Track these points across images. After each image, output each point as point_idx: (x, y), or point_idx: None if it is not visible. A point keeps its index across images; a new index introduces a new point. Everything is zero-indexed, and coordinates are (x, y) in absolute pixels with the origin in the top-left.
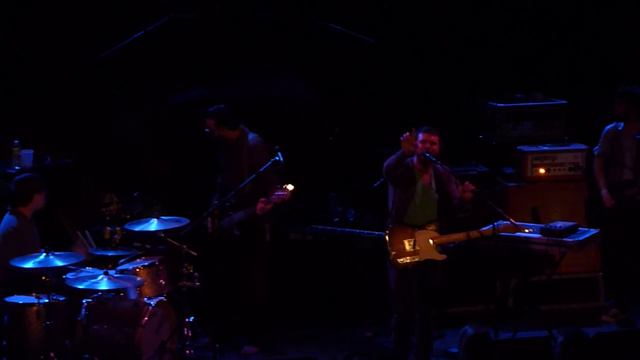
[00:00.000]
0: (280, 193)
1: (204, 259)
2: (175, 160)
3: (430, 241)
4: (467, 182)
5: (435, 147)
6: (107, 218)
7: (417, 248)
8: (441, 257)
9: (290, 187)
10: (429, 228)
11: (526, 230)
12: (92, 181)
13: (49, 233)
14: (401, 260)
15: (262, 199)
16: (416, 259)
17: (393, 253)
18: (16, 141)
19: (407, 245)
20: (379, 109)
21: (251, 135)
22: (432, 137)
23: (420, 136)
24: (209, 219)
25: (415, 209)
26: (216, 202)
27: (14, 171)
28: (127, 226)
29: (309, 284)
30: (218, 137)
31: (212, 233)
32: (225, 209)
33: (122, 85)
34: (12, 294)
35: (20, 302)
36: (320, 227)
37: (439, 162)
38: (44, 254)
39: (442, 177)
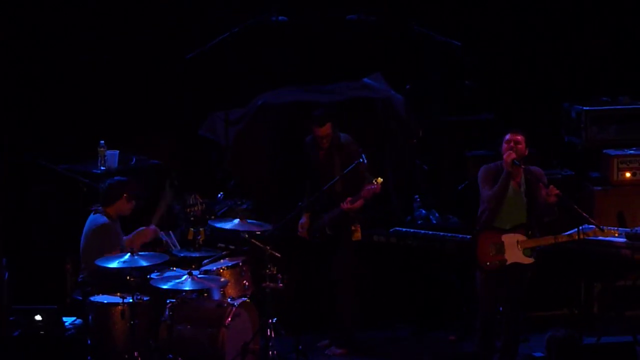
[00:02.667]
0: (370, 187)
1: (288, 260)
2: (263, 162)
3: (518, 245)
4: (551, 186)
5: (521, 147)
6: (192, 219)
7: (505, 251)
8: (529, 260)
9: (380, 180)
10: (517, 232)
11: (615, 234)
12: (177, 182)
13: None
14: (488, 263)
15: (348, 198)
16: (503, 263)
17: (480, 256)
18: (102, 142)
19: (494, 249)
20: (465, 111)
21: (343, 136)
22: (517, 137)
23: (507, 136)
24: (302, 220)
25: (504, 213)
26: (305, 202)
27: (99, 172)
28: (210, 223)
29: (393, 286)
30: (324, 140)
31: (303, 234)
32: (317, 211)
33: (209, 87)
34: (97, 294)
35: (105, 301)
36: (403, 229)
37: (528, 166)
38: (129, 254)
39: (532, 180)
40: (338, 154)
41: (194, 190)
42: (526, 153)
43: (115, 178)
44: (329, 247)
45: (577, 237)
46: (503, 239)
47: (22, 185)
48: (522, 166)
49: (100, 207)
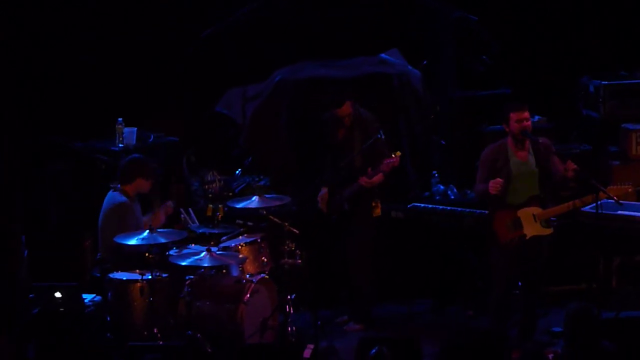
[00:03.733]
0: (389, 160)
1: (306, 236)
2: (281, 139)
3: (535, 218)
4: (569, 161)
5: (529, 123)
6: (210, 195)
7: (521, 226)
8: (547, 231)
9: (398, 153)
10: (532, 205)
11: (629, 190)
12: (195, 159)
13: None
14: (509, 240)
15: (368, 172)
16: (523, 237)
17: (499, 234)
18: (120, 119)
19: (512, 225)
20: (482, 86)
21: (363, 111)
22: (525, 114)
23: (513, 116)
24: (321, 192)
25: (514, 188)
26: (324, 177)
27: (117, 149)
28: (229, 203)
29: (411, 262)
30: (344, 117)
31: (322, 207)
32: (336, 186)
33: (226, 64)
34: (116, 271)
35: (124, 278)
36: (421, 205)
37: (536, 138)
38: (148, 232)
39: (542, 151)
40: (358, 129)
41: (211, 167)
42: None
43: (133, 155)
44: (346, 223)
45: (595, 211)
46: (519, 215)
47: (39, 164)
48: (530, 138)
49: (119, 185)
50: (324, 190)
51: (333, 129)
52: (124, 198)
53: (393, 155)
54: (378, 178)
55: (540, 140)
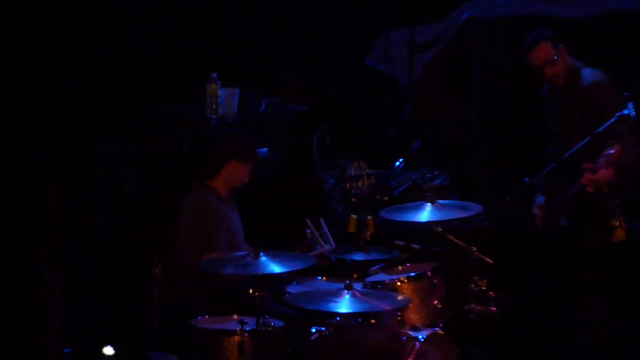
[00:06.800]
0: (608, 152)
1: (505, 268)
2: (470, 110)
3: None
4: None
5: None
6: (353, 200)
7: None
8: None
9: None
10: None
11: None
12: (331, 140)
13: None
14: None
15: (586, 167)
16: None
17: None
18: (214, 74)
19: None
20: None
21: (587, 72)
22: None
23: None
24: (538, 200)
25: None
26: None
27: (211, 120)
28: (383, 214)
29: None
30: (545, 70)
31: (539, 227)
32: (554, 190)
33: None
34: (201, 315)
35: (215, 327)
36: None
37: None
38: (252, 254)
39: None
40: (579, 99)
41: (356, 154)
42: None
43: (227, 131)
44: (566, 249)
45: None
46: None
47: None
48: None
49: (204, 180)
50: (541, 198)
51: (552, 103)
52: (210, 197)
53: (613, 145)
54: (603, 175)
55: None
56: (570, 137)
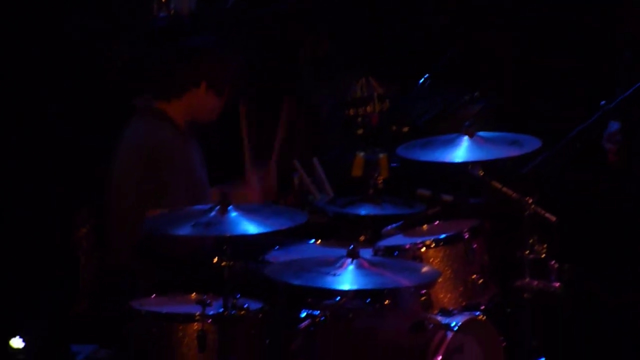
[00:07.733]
0: None
1: (574, 230)
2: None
3: None
4: None
5: None
6: (359, 131)
7: None
8: None
9: None
10: None
11: None
12: (326, 50)
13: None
14: None
15: None
16: None
17: None
18: None
19: None
20: None
21: None
22: None
23: None
24: (611, 128)
25: None
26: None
27: (160, 21)
28: (400, 152)
29: None
30: None
31: (611, 161)
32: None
33: None
34: (147, 295)
35: (165, 311)
36: None
37: None
38: (217, 207)
39: None
40: None
41: (363, 69)
42: None
43: (198, 39)
44: None
45: None
46: None
47: None
48: None
49: (153, 103)
50: (615, 124)
51: None
52: (164, 131)
53: None
54: None
55: None
56: None
